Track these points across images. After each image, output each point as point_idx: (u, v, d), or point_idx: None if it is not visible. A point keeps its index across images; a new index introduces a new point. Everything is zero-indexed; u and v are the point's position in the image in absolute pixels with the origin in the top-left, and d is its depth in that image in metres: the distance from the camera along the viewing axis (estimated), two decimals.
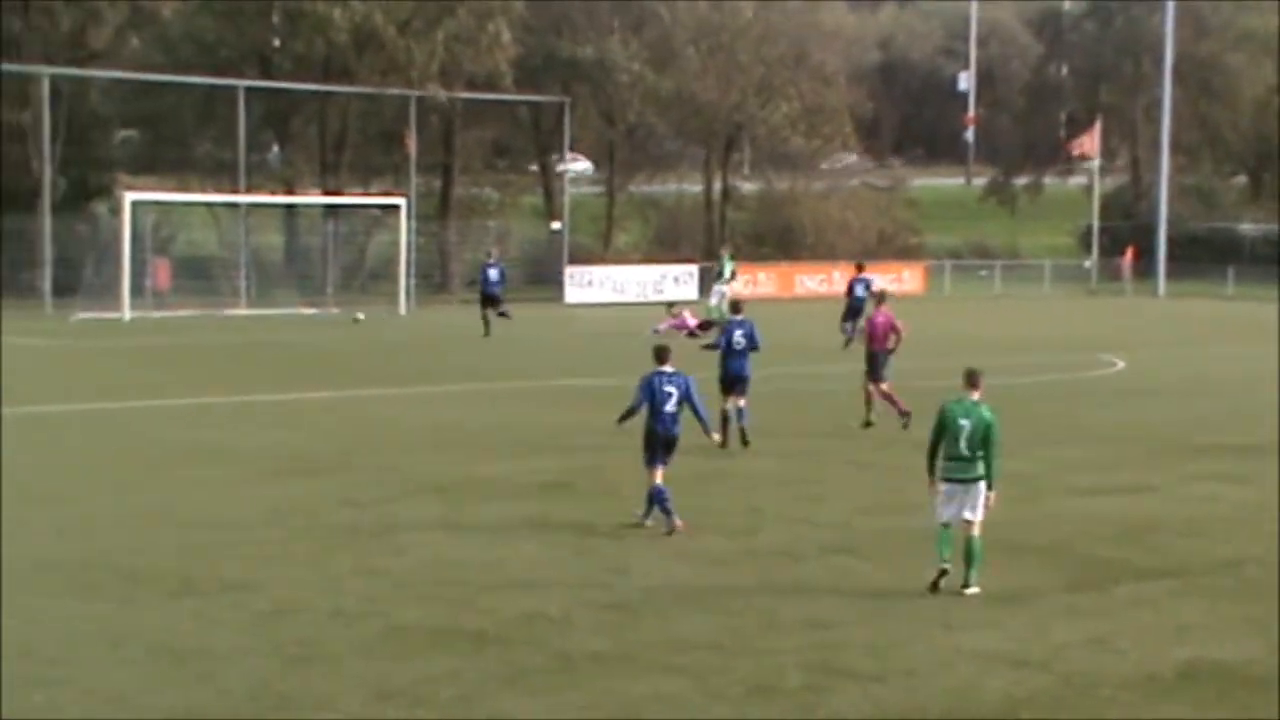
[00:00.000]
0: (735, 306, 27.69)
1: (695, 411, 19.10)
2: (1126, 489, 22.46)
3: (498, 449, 25.26)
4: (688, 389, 19.03)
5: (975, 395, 16.27)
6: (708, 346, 26.27)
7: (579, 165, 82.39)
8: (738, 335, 25.97)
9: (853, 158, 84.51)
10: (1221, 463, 24.80)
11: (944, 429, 16.15)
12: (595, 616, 14.92)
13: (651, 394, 18.89)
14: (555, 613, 14.97)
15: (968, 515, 16.07)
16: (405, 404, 31.40)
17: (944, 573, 15.99)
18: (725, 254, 53.55)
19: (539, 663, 13.46)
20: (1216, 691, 13.11)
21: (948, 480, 16.15)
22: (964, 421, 16.05)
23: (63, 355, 40.76)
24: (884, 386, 28.08)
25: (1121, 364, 40.42)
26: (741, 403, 25.59)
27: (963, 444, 16.02)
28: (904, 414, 27.31)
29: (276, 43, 66.10)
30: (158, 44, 66.48)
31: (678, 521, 18.68)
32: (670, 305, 52.02)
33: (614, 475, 22.59)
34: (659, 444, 18.93)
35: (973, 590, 15.95)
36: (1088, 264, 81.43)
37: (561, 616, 14.86)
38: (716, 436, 19.44)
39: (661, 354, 19.26)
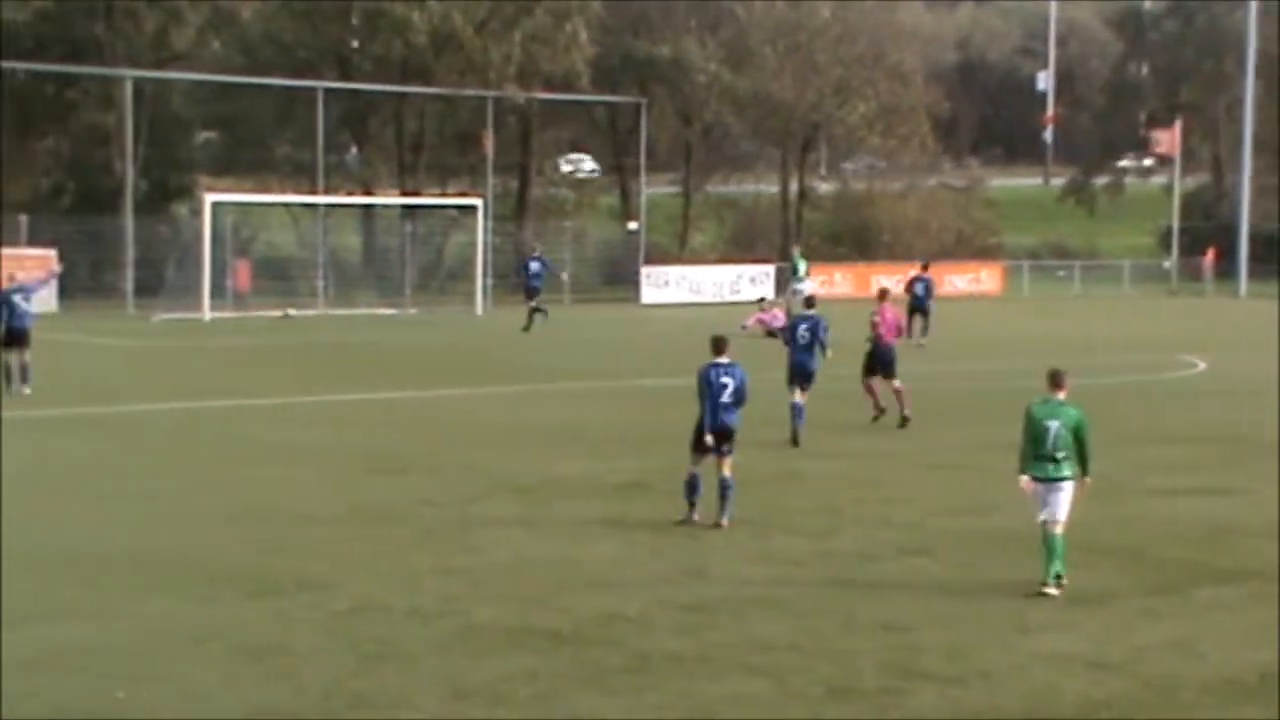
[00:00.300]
0: (809, 302, 28.23)
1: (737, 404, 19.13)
2: (1206, 491, 22.28)
3: (575, 448, 25.33)
4: (743, 382, 19.10)
5: (1060, 395, 16.32)
6: (787, 343, 26.76)
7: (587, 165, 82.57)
8: (802, 329, 26.54)
9: (868, 161, 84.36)
10: None
11: (1030, 429, 16.16)
12: (672, 617, 14.93)
13: (708, 385, 19.00)
14: (632, 613, 14.99)
15: (1051, 514, 16.07)
16: (483, 404, 31.53)
17: (1057, 582, 16.07)
18: (797, 251, 54.06)
19: (616, 663, 13.48)
20: None
21: (1035, 479, 16.16)
22: (1050, 422, 16.08)
23: (146, 355, 41.14)
24: (885, 381, 28.39)
25: (1202, 365, 40.09)
26: (801, 398, 25.83)
27: (1049, 444, 16.03)
28: (879, 411, 28.13)
29: (355, 44, 66.49)
30: (237, 45, 67.03)
31: (696, 516, 19.00)
32: (762, 301, 52.41)
33: None
34: (712, 435, 18.98)
35: (1051, 590, 15.93)
36: (1168, 264, 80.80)
37: (639, 616, 14.88)
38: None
39: (718, 345, 19.43)
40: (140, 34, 62.12)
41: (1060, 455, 16.03)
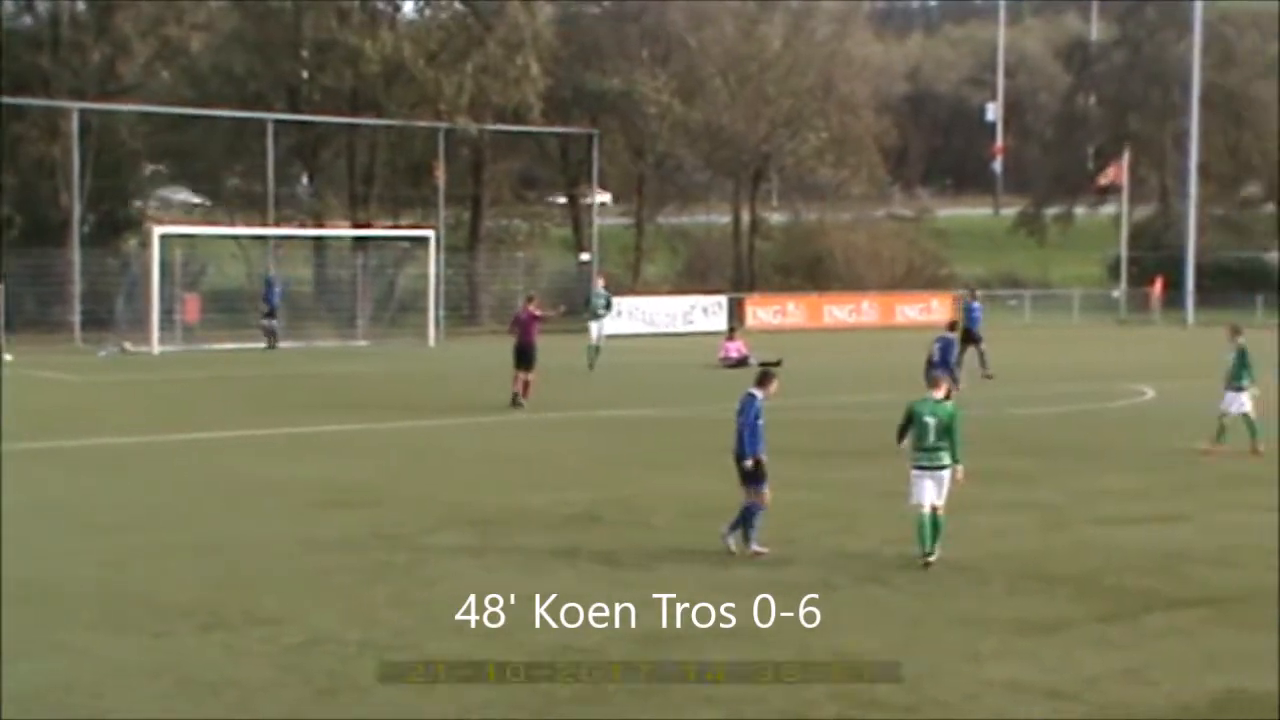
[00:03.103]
0: (952, 326, 32.36)
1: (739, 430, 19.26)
2: (1157, 518, 22.37)
3: (530, 480, 25.29)
4: (740, 408, 19.22)
5: (938, 394, 19.02)
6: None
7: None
8: (935, 349, 29.89)
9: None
10: (1252, 492, 24.70)
11: (911, 424, 18.73)
12: (626, 647, 14.89)
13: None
14: (587, 644, 14.95)
15: (936, 500, 18.53)
16: (438, 435, 31.47)
17: (929, 563, 18.41)
18: (600, 284, 51.14)
19: (570, 694, 13.44)
20: None
21: (919, 468, 18.67)
22: (929, 418, 18.60)
23: (94, 390, 40.89)
24: (530, 376, 35.04)
25: (1151, 393, 40.31)
26: None
27: (931, 437, 18.55)
28: (518, 403, 34.71)
29: (305, 75, 66.42)
30: (186, 77, 66.89)
31: (731, 545, 19.15)
32: (732, 330, 53.06)
33: (644, 506, 22.63)
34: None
35: (933, 559, 18.38)
36: (1116, 293, 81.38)
37: (593, 647, 14.84)
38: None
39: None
40: (87, 66, 61.93)
41: (941, 445, 18.49)
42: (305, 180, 70.54)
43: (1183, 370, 48.32)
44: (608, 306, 49.23)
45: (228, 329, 56.67)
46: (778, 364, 47.89)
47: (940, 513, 18.59)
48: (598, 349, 46.32)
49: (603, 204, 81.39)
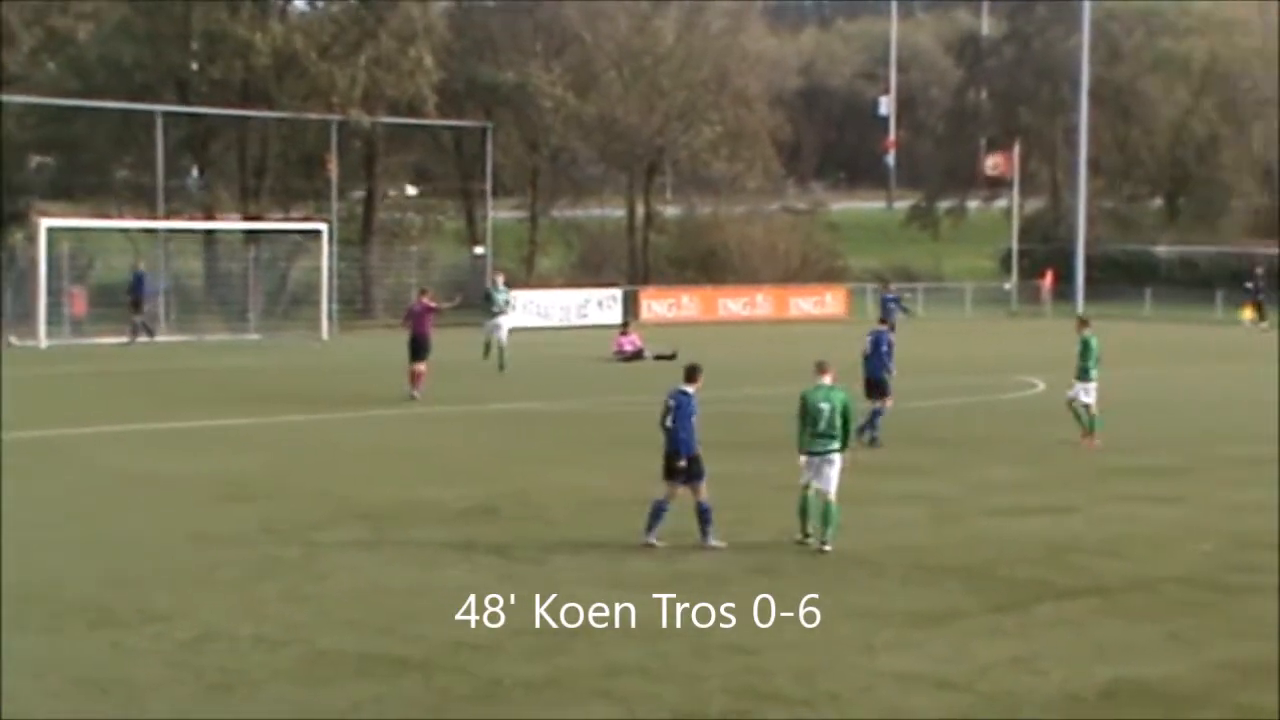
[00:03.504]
0: (883, 320, 32.37)
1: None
2: (1047, 509, 22.61)
3: (424, 474, 25.19)
4: (671, 406, 19.17)
5: (827, 379, 19.25)
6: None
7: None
8: (867, 343, 29.42)
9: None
10: (1141, 483, 25.04)
11: (806, 412, 18.92)
12: (522, 642, 14.87)
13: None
14: (482, 639, 14.92)
15: (825, 485, 18.88)
16: (331, 429, 31.28)
17: (805, 539, 19.04)
18: (500, 280, 48.84)
19: (466, 690, 13.41)
20: (1138, 710, 13.21)
21: (810, 453, 18.97)
22: (823, 405, 18.93)
23: None
24: (422, 368, 35.43)
25: (1041, 385, 40.68)
26: (880, 405, 28.74)
27: (823, 424, 18.88)
28: (413, 395, 35.05)
29: (195, 67, 65.68)
30: (72, 68, 65.89)
31: (651, 539, 19.21)
32: (626, 323, 52.93)
33: (540, 500, 22.61)
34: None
35: (828, 548, 18.71)
36: (1008, 286, 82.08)
37: (488, 642, 14.80)
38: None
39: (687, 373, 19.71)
40: None
41: (831, 432, 18.87)
42: (195, 173, 69.77)
43: (1072, 362, 48.83)
44: (508, 305, 47.42)
45: (116, 323, 55.97)
46: (672, 356, 48.25)
47: (832, 501, 18.91)
48: (503, 347, 44.75)
49: (415, 195, 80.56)
